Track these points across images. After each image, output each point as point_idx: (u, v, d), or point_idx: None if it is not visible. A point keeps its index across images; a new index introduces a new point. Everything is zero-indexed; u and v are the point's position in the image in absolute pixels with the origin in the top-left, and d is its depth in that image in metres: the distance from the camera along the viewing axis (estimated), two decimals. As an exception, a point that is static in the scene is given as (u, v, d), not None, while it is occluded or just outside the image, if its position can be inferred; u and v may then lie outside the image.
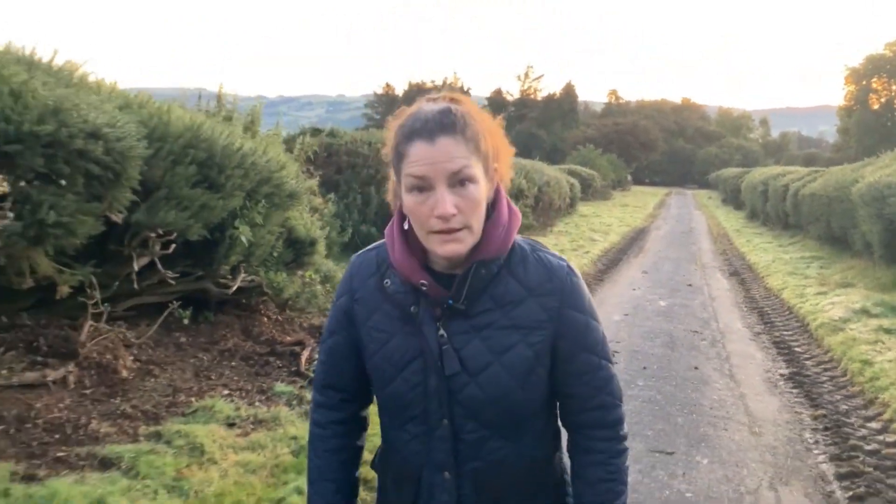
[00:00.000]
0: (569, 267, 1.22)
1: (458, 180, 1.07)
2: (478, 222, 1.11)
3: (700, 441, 3.79)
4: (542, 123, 58.64)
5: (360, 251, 1.30)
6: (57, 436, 3.14)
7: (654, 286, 9.22)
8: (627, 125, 52.96)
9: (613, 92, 72.67)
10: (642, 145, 52.16)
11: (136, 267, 3.93)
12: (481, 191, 1.10)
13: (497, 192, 1.18)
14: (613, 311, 7.44)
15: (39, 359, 3.63)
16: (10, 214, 3.05)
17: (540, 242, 1.26)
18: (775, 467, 3.49)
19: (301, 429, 3.41)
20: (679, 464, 3.48)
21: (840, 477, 3.40)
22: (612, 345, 5.74)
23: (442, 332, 1.15)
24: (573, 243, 13.44)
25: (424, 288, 1.14)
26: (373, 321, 1.22)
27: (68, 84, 3.78)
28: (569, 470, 1.29)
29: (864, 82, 57.45)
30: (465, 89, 66.91)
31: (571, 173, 24.76)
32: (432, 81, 73.86)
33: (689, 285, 9.46)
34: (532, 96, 64.28)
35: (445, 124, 1.08)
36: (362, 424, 1.37)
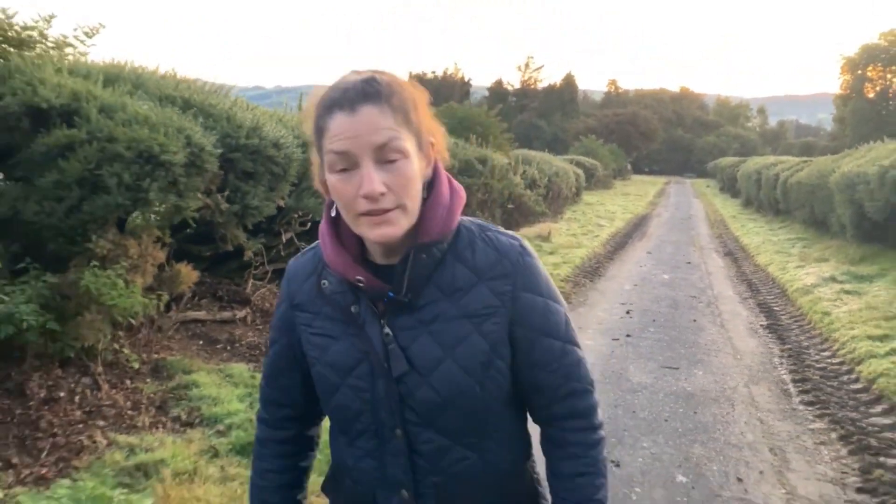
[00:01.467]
0: (521, 246, 1.11)
1: (386, 155, 0.96)
2: (412, 201, 1.00)
3: (697, 362, 5.29)
4: (542, 114, 59.98)
5: (298, 253, 1.21)
6: (256, 352, 4.63)
7: (658, 264, 10.72)
8: (627, 115, 54.41)
9: (613, 82, 74.07)
10: (642, 135, 53.64)
11: (283, 240, 5.41)
12: (413, 166, 0.99)
13: (436, 170, 1.07)
14: (625, 282, 8.94)
15: (224, 304, 5.12)
16: (226, 203, 4.53)
17: (489, 223, 1.16)
18: (750, 376, 5.00)
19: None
20: (682, 374, 4.98)
21: (794, 381, 4.90)
22: (626, 306, 7.26)
23: (387, 330, 1.06)
24: (583, 228, 14.94)
25: (361, 284, 1.05)
26: (314, 327, 1.12)
27: (234, 104, 5.24)
28: (542, 479, 1.21)
29: (859, 71, 58.76)
30: (466, 80, 68.17)
31: (575, 163, 26.23)
32: (433, 72, 74.90)
33: (689, 263, 10.96)
34: (532, 87, 65.56)
35: (368, 93, 0.96)
36: (308, 444, 1.27)
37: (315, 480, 1.32)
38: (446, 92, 69.02)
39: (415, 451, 1.09)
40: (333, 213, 1.07)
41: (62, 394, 3.43)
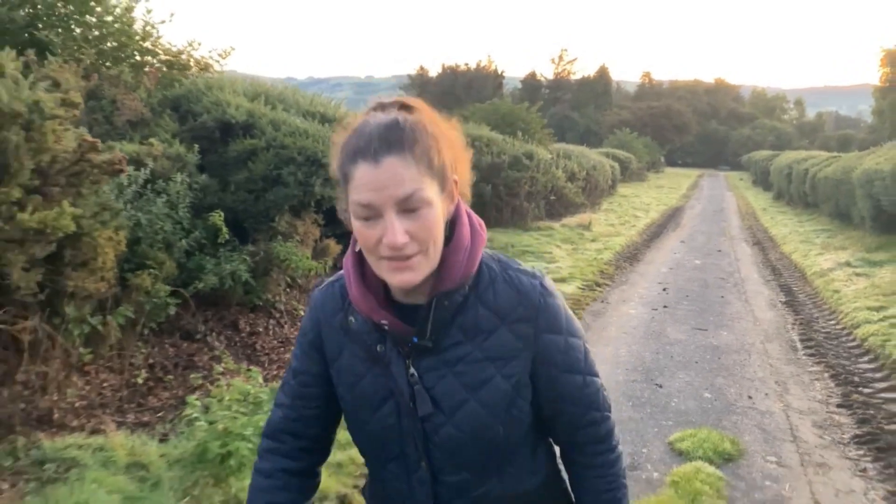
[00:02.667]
0: (542, 286, 1.12)
1: (410, 205, 0.98)
2: (434, 246, 1.02)
3: (722, 326, 6.55)
4: (575, 106, 60.66)
5: (322, 284, 1.22)
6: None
7: (691, 251, 11.90)
8: (661, 108, 54.98)
9: (647, 74, 74.37)
10: (676, 128, 54.21)
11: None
12: (436, 213, 1.01)
13: (457, 209, 1.09)
14: (661, 266, 10.17)
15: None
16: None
17: (509, 258, 1.18)
18: (765, 336, 6.24)
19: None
20: (710, 334, 6.24)
21: (801, 340, 6.13)
22: (663, 285, 8.51)
23: (412, 370, 1.09)
24: (620, 219, 16.14)
25: (386, 327, 1.08)
26: (341, 362, 1.16)
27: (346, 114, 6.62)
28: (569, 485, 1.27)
29: (900, 64, 58.31)
30: (500, 72, 69.10)
31: (611, 157, 27.28)
32: (465, 64, 75.83)
33: (719, 251, 12.12)
34: (566, 78, 66.23)
35: (392, 141, 0.97)
36: (315, 482, 1.28)
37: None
38: (479, 84, 69.90)
39: (437, 481, 1.14)
40: (358, 249, 1.09)
41: (260, 329, 4.85)
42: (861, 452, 3.79)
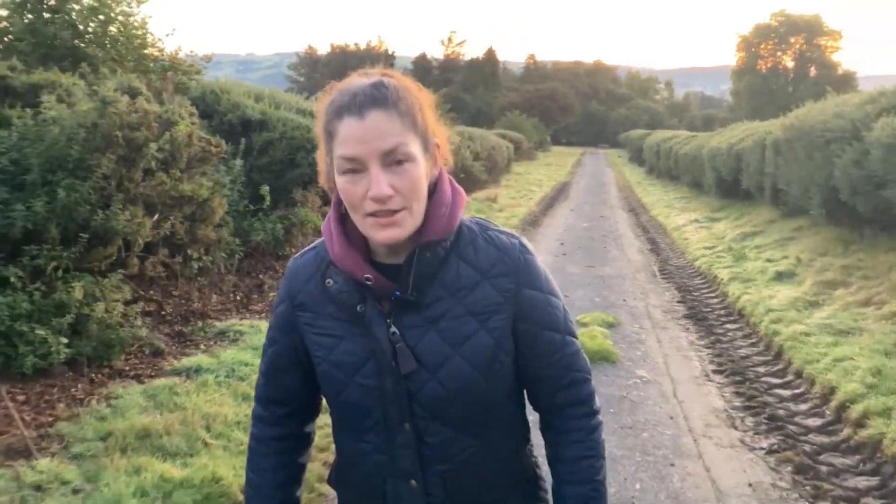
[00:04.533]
0: (521, 244, 1.19)
1: (394, 159, 1.03)
2: (418, 203, 1.07)
3: (606, 264, 9.15)
4: (466, 87, 63.59)
5: (297, 254, 1.26)
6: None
7: (580, 217, 14.66)
8: (547, 90, 59.02)
9: (532, 56, 78.66)
10: (560, 109, 58.45)
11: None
12: (420, 169, 1.06)
13: (440, 173, 1.15)
14: (557, 228, 12.79)
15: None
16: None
17: (489, 220, 1.23)
18: (635, 269, 8.89)
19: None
20: (597, 269, 8.80)
21: (660, 271, 8.84)
22: (560, 241, 11.08)
23: (393, 329, 1.11)
24: (518, 193, 18.78)
25: (369, 282, 1.10)
26: (318, 326, 1.17)
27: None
28: (540, 462, 1.30)
29: (752, 49, 65.49)
30: (390, 52, 70.71)
31: (504, 137, 30.10)
32: (356, 44, 76.67)
33: (602, 216, 14.97)
34: (455, 60, 68.93)
35: (377, 98, 1.03)
36: (305, 440, 1.34)
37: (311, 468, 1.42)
38: (370, 65, 70.91)
39: (423, 443, 1.16)
40: (344, 210, 1.12)
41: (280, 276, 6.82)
42: (687, 322, 6.37)
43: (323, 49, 79.82)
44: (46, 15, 7.62)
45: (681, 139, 21.46)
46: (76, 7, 7.79)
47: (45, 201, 4.21)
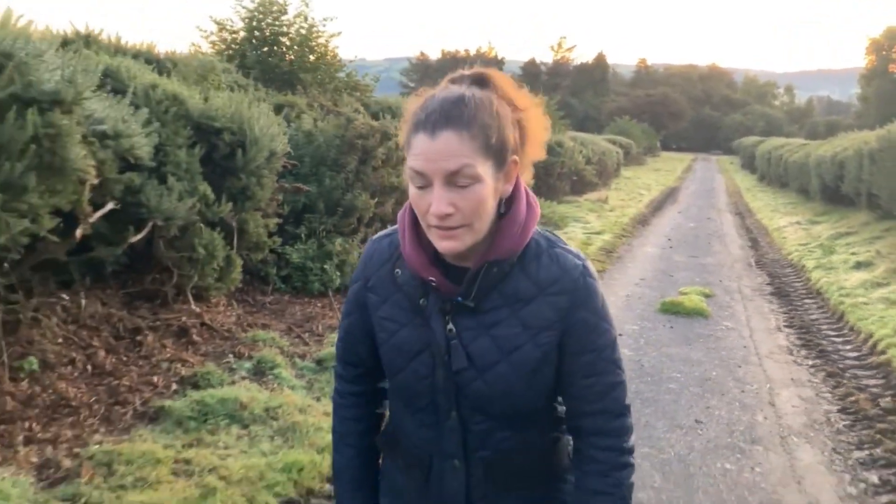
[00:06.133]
0: (584, 267, 1.23)
1: (458, 180, 1.08)
2: (480, 222, 1.13)
3: (708, 255, 10.70)
4: (574, 92, 64.70)
5: (377, 235, 1.35)
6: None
7: (687, 218, 16.07)
8: (657, 96, 59.26)
9: (643, 60, 78.61)
10: (671, 114, 58.53)
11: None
12: (485, 190, 1.11)
13: (516, 187, 1.19)
14: (665, 227, 14.33)
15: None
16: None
17: (559, 237, 1.28)
18: (734, 260, 10.41)
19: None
20: (700, 258, 10.39)
21: (756, 263, 10.31)
22: (668, 237, 12.66)
23: (451, 326, 1.21)
24: (628, 195, 20.29)
25: (434, 284, 1.20)
26: (384, 310, 1.28)
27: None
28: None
29: (883, 52, 62.66)
30: (500, 58, 72.83)
31: (613, 142, 31.41)
32: (466, 50, 79.35)
33: (709, 219, 16.30)
34: (564, 65, 70.12)
35: (451, 117, 1.08)
36: (381, 394, 1.45)
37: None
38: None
39: (467, 430, 1.26)
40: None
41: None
42: (771, 297, 7.93)
43: (434, 55, 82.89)
44: (265, 48, 10.17)
45: (792, 147, 22.18)
46: (286, 42, 10.31)
47: (316, 186, 6.47)
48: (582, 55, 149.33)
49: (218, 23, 10.46)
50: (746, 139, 44.10)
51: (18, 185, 3.24)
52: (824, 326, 6.48)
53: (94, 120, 3.82)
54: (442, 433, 1.28)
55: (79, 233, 3.76)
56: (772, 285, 8.59)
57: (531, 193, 1.24)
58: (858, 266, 8.50)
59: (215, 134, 4.94)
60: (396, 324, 1.26)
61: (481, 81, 1.14)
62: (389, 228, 1.33)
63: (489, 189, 1.12)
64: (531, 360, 1.21)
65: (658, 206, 18.69)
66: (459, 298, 1.19)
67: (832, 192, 14.31)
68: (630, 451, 1.27)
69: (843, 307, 6.74)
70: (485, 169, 1.10)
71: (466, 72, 1.16)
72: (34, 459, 2.96)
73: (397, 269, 1.25)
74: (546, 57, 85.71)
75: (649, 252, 10.78)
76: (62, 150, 3.45)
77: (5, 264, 3.49)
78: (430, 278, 1.19)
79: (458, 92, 1.11)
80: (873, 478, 3.50)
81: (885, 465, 3.61)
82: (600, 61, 67.83)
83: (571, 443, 1.34)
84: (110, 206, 3.97)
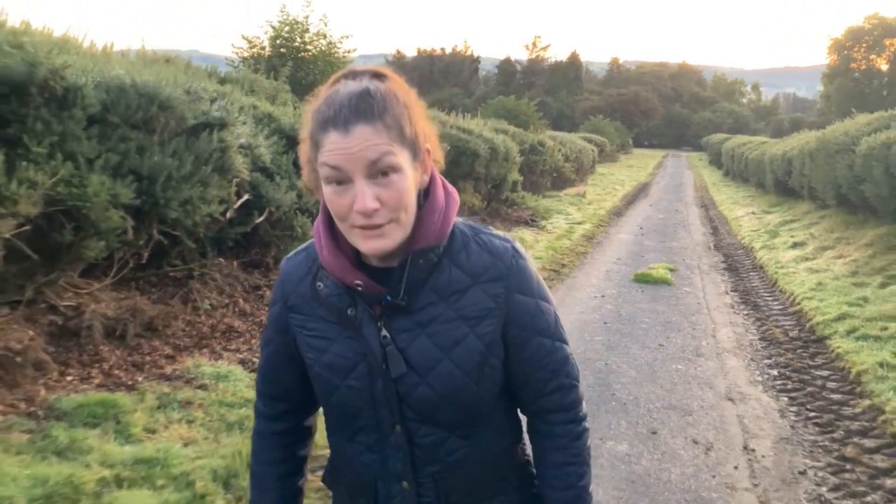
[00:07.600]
0: (514, 248, 1.21)
1: (379, 171, 1.05)
2: (406, 214, 1.09)
3: (674, 240, 12.62)
4: (549, 91, 66.82)
5: (290, 253, 1.30)
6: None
7: (657, 211, 18.02)
8: (629, 95, 61.67)
9: (615, 59, 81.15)
10: (642, 113, 60.99)
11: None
12: (407, 180, 1.07)
13: (431, 176, 1.17)
14: (638, 217, 16.25)
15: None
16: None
17: (482, 224, 1.25)
18: (695, 244, 12.34)
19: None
20: (667, 243, 12.29)
21: (714, 246, 12.25)
22: (640, 226, 14.55)
23: (384, 332, 1.15)
24: (604, 191, 22.24)
25: (360, 288, 1.13)
26: (309, 328, 1.21)
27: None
28: (531, 459, 1.33)
29: (845, 52, 65.84)
30: (475, 56, 74.73)
31: (589, 140, 33.41)
32: (441, 48, 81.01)
33: (676, 210, 18.28)
34: (539, 63, 72.22)
35: (361, 110, 1.04)
36: (305, 433, 1.39)
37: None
38: (456, 68, 75.04)
39: (413, 444, 1.20)
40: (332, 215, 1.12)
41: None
42: (724, 271, 9.80)
43: (410, 52, 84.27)
44: (289, 63, 11.79)
45: (752, 145, 24.35)
46: (307, 56, 11.95)
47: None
48: (556, 54, 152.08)
49: (248, 40, 12.06)
50: (714, 136, 46.56)
51: (207, 181, 4.91)
52: (761, 290, 8.36)
53: (237, 135, 5.49)
54: (386, 453, 1.22)
55: (229, 214, 5.43)
56: (725, 263, 10.48)
57: (447, 182, 1.22)
58: (794, 246, 10.44)
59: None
60: (325, 340, 1.20)
61: (380, 76, 1.12)
62: (303, 244, 1.29)
63: (410, 179, 1.09)
64: (475, 352, 1.17)
65: (631, 200, 20.65)
66: (389, 298, 1.14)
67: (783, 185, 16.35)
68: (584, 419, 1.29)
69: (777, 276, 8.64)
70: (403, 158, 1.07)
71: (359, 69, 1.14)
72: (239, 356, 4.66)
73: (319, 283, 1.18)
74: (521, 55, 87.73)
75: (624, 238, 12.63)
76: (228, 158, 5.13)
77: (189, 238, 5.15)
78: (356, 282, 1.14)
79: (363, 85, 1.08)
80: (774, 372, 5.33)
81: (784, 365, 5.45)
82: (574, 60, 70.07)
83: (529, 446, 1.34)
84: (246, 196, 5.64)
